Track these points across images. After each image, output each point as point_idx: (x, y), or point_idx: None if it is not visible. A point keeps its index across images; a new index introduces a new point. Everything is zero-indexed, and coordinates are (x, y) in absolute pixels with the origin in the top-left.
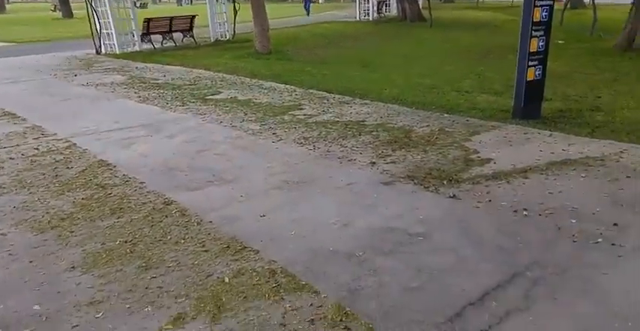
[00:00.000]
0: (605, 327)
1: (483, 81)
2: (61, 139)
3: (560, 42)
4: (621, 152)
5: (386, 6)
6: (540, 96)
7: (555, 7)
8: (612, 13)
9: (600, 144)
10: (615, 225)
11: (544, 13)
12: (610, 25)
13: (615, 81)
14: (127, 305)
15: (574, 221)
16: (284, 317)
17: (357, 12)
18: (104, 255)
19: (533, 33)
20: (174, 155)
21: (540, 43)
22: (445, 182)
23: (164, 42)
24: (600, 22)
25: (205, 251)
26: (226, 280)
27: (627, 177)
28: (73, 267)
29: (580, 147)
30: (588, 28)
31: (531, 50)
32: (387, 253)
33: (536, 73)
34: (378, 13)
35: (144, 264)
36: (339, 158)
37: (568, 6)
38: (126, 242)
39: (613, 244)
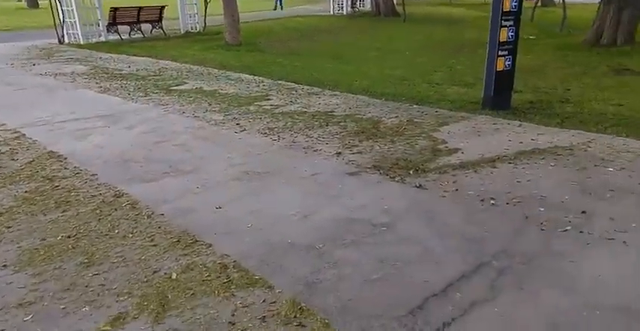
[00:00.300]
0: (573, 317)
1: (454, 74)
2: (10, 130)
3: (531, 37)
4: (589, 142)
5: (360, 0)
6: (510, 87)
7: (526, 4)
8: (581, 11)
9: (569, 133)
10: (583, 212)
11: (514, 4)
12: (579, 23)
13: (584, 74)
14: (62, 306)
15: (542, 209)
16: (234, 314)
17: (331, 6)
18: (42, 252)
19: (503, 23)
20: (131, 146)
21: (510, 34)
22: (412, 172)
23: (132, 33)
24: (570, 19)
25: (154, 245)
26: (174, 276)
27: (595, 165)
28: (4, 266)
29: (549, 137)
30: (558, 24)
31: (501, 40)
32: (348, 245)
33: (506, 63)
34: (352, 7)
35: (86, 261)
36: (304, 148)
37: (539, 4)
38: (69, 237)
39: (581, 232)
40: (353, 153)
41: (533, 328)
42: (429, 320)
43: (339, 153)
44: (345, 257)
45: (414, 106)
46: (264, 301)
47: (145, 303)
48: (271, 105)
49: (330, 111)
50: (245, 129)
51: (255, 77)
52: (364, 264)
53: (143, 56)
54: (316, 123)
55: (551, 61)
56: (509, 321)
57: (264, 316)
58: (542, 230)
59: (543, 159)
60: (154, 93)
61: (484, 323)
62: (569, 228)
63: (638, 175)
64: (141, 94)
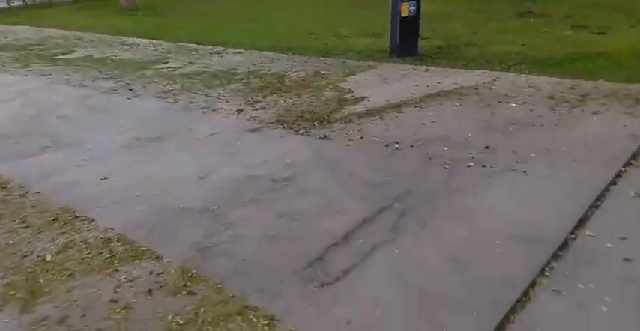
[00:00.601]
0: (472, 249)
1: (363, 25)
2: None
3: None
4: (493, 80)
5: None
6: (416, 33)
7: None
8: None
9: (474, 74)
10: (487, 147)
11: None
12: None
13: (489, 19)
14: None
15: (446, 148)
16: (116, 291)
17: None
18: None
19: None
20: (3, 121)
21: None
22: (317, 123)
23: (10, 1)
24: None
25: (26, 227)
26: (48, 258)
27: (499, 102)
28: None
29: (455, 79)
30: None
31: None
32: (247, 203)
33: (411, 8)
34: None
35: None
36: (202, 108)
37: None
38: None
39: (484, 166)
40: (255, 110)
41: (433, 264)
42: (329, 270)
43: (241, 110)
44: (242, 217)
45: (322, 59)
46: (150, 273)
47: (12, 292)
48: (169, 67)
49: (233, 69)
50: (138, 95)
51: (153, 41)
52: (262, 222)
53: (24, 25)
54: (217, 82)
55: (457, 9)
56: (409, 260)
57: (151, 289)
58: (446, 168)
59: (449, 100)
60: (35, 63)
61: (385, 265)
62: (472, 164)
63: (537, 108)
64: (19, 66)
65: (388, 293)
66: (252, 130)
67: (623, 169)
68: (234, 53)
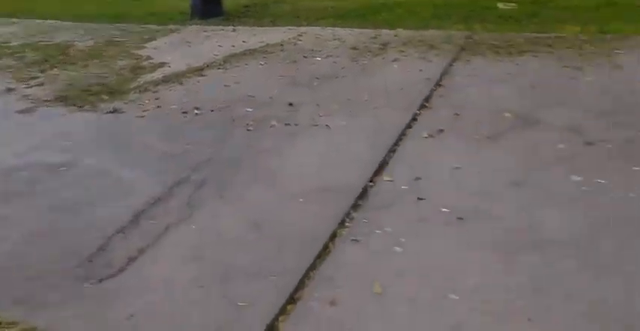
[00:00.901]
0: (276, 211)
1: None
2: None
3: None
4: (299, 35)
5: None
6: None
7: None
8: None
9: (281, 30)
10: (290, 105)
11: None
12: None
13: None
14: None
15: (250, 109)
16: None
17: None
18: None
19: None
20: None
21: None
22: (106, 96)
23: None
24: None
25: None
26: None
27: (304, 57)
28: None
29: (261, 37)
30: None
31: None
32: (9, 200)
33: None
34: None
35: None
36: None
37: None
38: None
39: (287, 124)
40: (29, 87)
41: (234, 233)
42: (111, 261)
43: (11, 89)
44: (2, 217)
45: (115, 25)
46: None
47: None
48: None
49: (4, 42)
50: None
51: None
52: (30, 219)
53: None
54: None
55: None
56: (208, 234)
57: None
58: (249, 130)
59: (254, 59)
60: None
61: (180, 243)
62: (275, 123)
63: (341, 60)
64: None
65: (183, 274)
66: (23, 112)
67: (418, 112)
68: (6, 24)
